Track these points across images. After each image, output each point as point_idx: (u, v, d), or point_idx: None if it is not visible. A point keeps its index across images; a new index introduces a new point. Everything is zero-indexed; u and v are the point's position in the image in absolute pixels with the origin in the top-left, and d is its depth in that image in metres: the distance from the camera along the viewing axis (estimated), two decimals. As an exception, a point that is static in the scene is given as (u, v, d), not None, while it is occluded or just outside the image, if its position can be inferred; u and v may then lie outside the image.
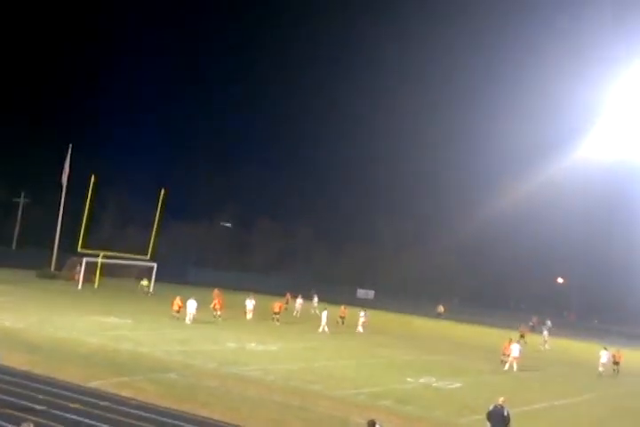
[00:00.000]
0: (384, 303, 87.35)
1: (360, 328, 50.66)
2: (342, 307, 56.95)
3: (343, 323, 53.31)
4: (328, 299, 65.92)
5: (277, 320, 49.53)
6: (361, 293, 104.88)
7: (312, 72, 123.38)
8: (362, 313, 51.71)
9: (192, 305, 43.54)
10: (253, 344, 36.90)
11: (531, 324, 77.28)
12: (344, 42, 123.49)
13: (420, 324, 69.45)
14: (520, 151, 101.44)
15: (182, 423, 19.42)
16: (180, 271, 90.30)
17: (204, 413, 20.75)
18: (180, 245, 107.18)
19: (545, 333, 57.43)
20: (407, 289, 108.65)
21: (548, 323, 79.92)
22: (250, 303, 50.18)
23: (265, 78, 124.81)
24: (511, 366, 37.99)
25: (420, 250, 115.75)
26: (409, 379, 31.66)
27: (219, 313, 46.84)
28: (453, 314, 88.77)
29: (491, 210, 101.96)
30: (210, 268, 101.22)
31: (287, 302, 61.88)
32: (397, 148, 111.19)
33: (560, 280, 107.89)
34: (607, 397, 34.43)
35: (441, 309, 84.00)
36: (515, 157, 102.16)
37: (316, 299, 63.57)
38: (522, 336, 56.32)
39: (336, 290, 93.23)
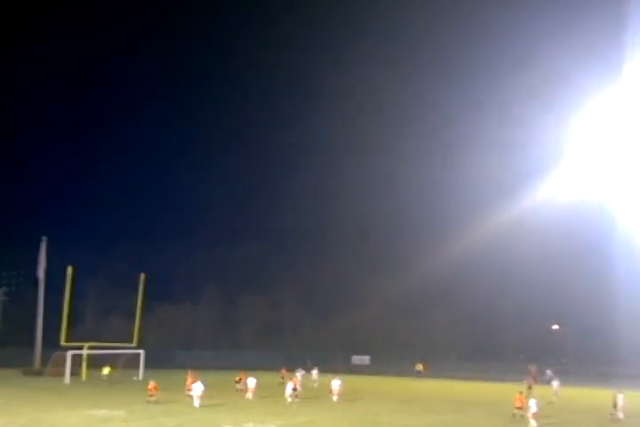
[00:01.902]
0: (381, 368, 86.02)
1: (335, 397, 48.15)
2: (283, 370, 59.13)
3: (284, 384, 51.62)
4: (323, 368, 64.70)
5: (297, 397, 47.92)
6: (356, 359, 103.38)
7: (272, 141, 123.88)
8: (336, 381, 49.13)
9: (198, 388, 42.55)
10: (250, 424, 35.75)
11: (532, 374, 76.24)
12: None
13: (420, 386, 68.19)
14: (483, 190, 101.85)
15: None
16: (167, 356, 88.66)
17: None
18: (165, 329, 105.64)
19: (555, 383, 55.91)
20: (402, 351, 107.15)
21: (549, 373, 78.86)
22: (252, 382, 48.33)
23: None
24: (529, 421, 36.74)
25: (410, 310, 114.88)
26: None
27: (189, 392, 45.94)
28: (451, 372, 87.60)
29: (460, 257, 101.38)
30: (197, 349, 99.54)
31: (282, 378, 60.56)
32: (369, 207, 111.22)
33: (555, 327, 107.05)
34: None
35: (420, 366, 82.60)
36: (478, 196, 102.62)
37: (315, 371, 62.07)
38: (529, 388, 55.32)
39: (330, 358, 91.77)
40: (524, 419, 39.18)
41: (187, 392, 46.74)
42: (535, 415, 36.63)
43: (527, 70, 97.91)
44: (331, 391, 48.29)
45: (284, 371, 62.27)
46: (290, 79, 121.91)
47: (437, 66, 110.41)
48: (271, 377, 64.85)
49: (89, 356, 64.12)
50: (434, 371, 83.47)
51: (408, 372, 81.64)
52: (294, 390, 47.67)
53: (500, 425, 38.00)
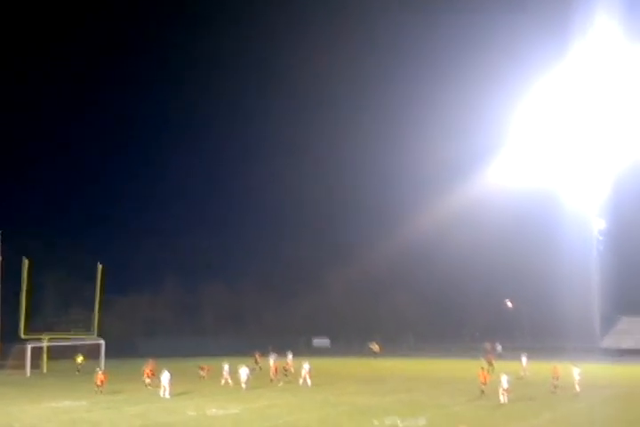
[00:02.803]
0: (341, 350, 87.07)
1: (307, 380, 48.56)
2: (288, 359, 58.36)
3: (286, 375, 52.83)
4: (284, 352, 65.44)
5: (286, 376, 49.79)
6: (317, 342, 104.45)
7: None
8: (306, 365, 49.60)
9: (166, 377, 42.72)
10: (214, 410, 36.38)
11: (488, 350, 78.22)
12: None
13: (380, 366, 69.29)
14: (437, 173, 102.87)
15: None
16: (129, 345, 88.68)
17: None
18: (126, 319, 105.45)
19: (524, 359, 57.17)
20: (362, 333, 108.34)
21: (499, 348, 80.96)
22: (244, 373, 47.13)
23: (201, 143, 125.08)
24: (503, 397, 37.55)
25: (368, 292, 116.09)
26: (375, 422, 31.58)
27: (148, 381, 46.62)
28: (410, 351, 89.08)
29: (412, 237, 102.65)
30: (159, 337, 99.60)
31: (257, 362, 61.27)
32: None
33: (509, 304, 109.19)
34: (570, 414, 34.84)
35: (376, 347, 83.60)
36: (432, 179, 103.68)
37: (290, 356, 62.73)
38: (490, 364, 56.70)
39: (291, 342, 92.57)
40: (485, 393, 40.70)
41: (145, 380, 47.15)
42: (507, 391, 37.52)
43: (472, 53, 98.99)
44: (302, 376, 48.92)
45: (257, 356, 62.87)
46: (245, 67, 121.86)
47: (384, 50, 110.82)
48: (236, 363, 65.41)
49: (49, 348, 64.09)
50: (393, 351, 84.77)
51: (367, 353, 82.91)
52: (285, 370, 50.09)
53: (459, 402, 39.11)
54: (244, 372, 46.75)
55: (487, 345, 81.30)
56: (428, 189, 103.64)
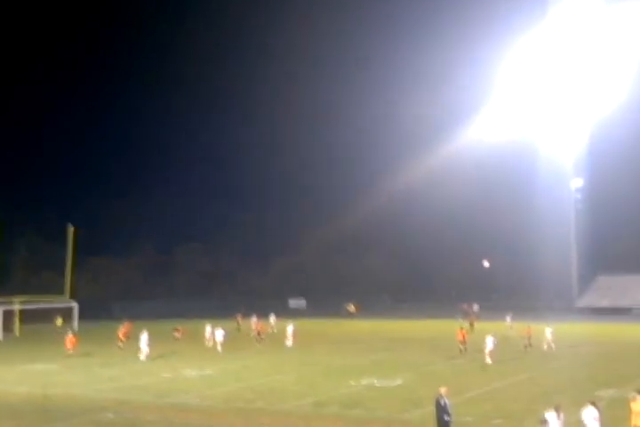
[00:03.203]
0: (317, 311, 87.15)
1: (289, 342, 48.47)
2: (271, 320, 59.23)
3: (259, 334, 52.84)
4: (260, 313, 65.31)
5: (258, 341, 49.67)
6: (292, 303, 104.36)
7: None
8: (290, 326, 49.40)
9: (144, 340, 42.16)
10: (188, 371, 36.12)
11: (466, 310, 78.74)
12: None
13: (356, 327, 69.34)
14: (412, 131, 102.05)
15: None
16: (103, 308, 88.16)
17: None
18: (99, 282, 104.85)
19: (508, 318, 57.24)
20: (337, 294, 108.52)
21: (475, 307, 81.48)
22: (220, 334, 46.79)
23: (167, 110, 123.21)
24: (487, 359, 37.25)
25: (344, 253, 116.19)
26: (351, 382, 31.49)
27: (120, 344, 46.50)
28: (386, 311, 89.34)
29: (390, 199, 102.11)
30: (133, 299, 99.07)
31: (238, 324, 61.13)
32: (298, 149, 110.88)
33: (485, 263, 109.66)
34: (547, 372, 34.94)
35: (352, 308, 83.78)
36: (406, 137, 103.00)
37: (273, 317, 62.50)
38: (471, 325, 56.96)
39: (266, 303, 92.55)
40: (466, 352, 41.08)
41: (118, 343, 46.83)
42: (491, 353, 37.27)
43: (455, 10, 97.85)
44: (287, 337, 48.63)
45: (239, 317, 62.69)
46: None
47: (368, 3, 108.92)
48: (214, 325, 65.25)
49: (22, 311, 63.46)
50: (369, 312, 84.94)
51: (344, 314, 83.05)
52: (259, 333, 49.91)
53: (435, 362, 39.13)
54: (219, 334, 46.38)
55: (464, 305, 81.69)
56: (404, 147, 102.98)
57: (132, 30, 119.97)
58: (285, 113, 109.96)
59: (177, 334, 53.64)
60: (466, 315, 76.94)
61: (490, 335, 38.23)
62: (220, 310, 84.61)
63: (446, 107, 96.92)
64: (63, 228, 70.33)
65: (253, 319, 58.39)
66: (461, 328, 43.94)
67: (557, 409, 18.00)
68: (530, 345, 43.37)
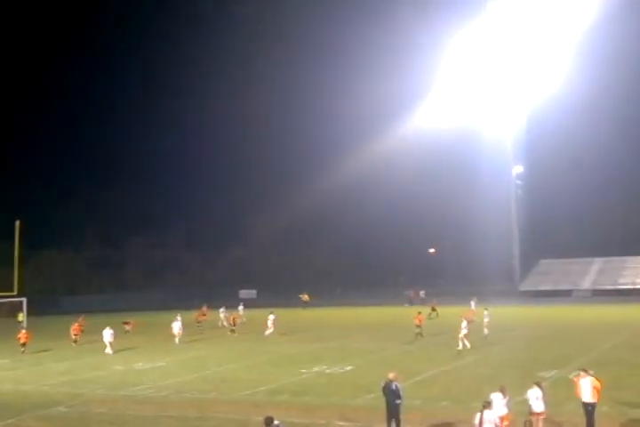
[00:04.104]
0: (268, 301, 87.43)
1: (269, 331, 48.39)
2: (203, 307, 60.61)
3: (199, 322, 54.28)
4: (209, 304, 65.52)
5: (233, 331, 49.93)
6: (243, 293, 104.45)
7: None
8: (270, 316, 49.38)
9: (107, 334, 41.89)
10: (140, 363, 36.25)
11: (412, 296, 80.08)
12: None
13: (307, 315, 69.98)
14: (358, 120, 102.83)
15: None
16: (51, 302, 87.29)
17: (99, 441, 20.29)
18: (47, 276, 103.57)
19: (472, 303, 57.87)
20: (288, 283, 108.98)
21: (422, 293, 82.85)
22: (176, 326, 46.24)
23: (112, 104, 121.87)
24: (464, 345, 37.08)
25: (294, 242, 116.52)
26: (302, 370, 31.99)
27: (73, 338, 46.25)
28: (336, 299, 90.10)
29: (341, 188, 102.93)
30: (82, 293, 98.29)
31: (204, 315, 61.11)
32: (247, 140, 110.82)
33: (431, 250, 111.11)
34: (491, 355, 35.87)
35: (305, 297, 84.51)
36: (352, 126, 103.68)
37: (241, 307, 62.48)
38: (433, 309, 57.96)
39: (217, 294, 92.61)
40: (422, 337, 42.20)
41: (72, 338, 46.61)
42: (466, 337, 37.36)
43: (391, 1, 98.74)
44: (268, 326, 48.71)
45: (204, 309, 62.67)
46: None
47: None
48: (161, 317, 65.40)
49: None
50: (320, 300, 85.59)
51: (294, 303, 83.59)
52: (233, 326, 50.16)
53: (385, 348, 39.85)
54: (176, 326, 46.20)
55: (410, 292, 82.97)
56: (349, 136, 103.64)
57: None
58: (233, 102, 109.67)
59: (127, 327, 53.55)
60: (412, 301, 78.52)
61: (465, 320, 38.28)
62: (171, 301, 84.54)
63: (390, 96, 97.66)
64: (9, 222, 69.40)
65: (221, 310, 58.74)
66: (419, 313, 44.78)
67: (502, 390, 18.72)
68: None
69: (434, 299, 63.00)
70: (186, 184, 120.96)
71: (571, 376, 20.62)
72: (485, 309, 46.06)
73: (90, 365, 36.86)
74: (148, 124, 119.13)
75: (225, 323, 55.99)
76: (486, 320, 43.68)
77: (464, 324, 37.66)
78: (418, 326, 43.25)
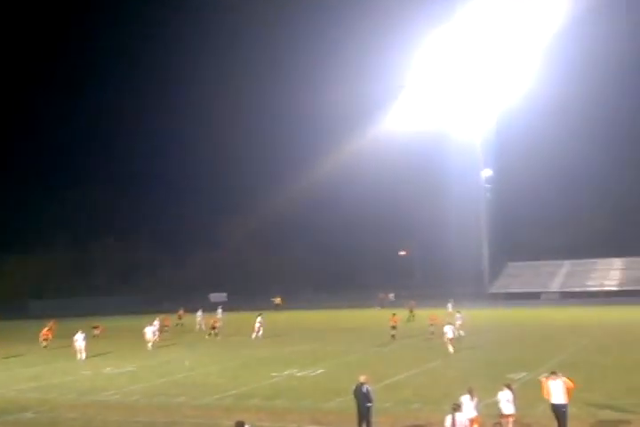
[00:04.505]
0: (239, 304, 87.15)
1: (255, 334, 48.02)
2: (181, 311, 60.96)
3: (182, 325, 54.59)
4: (180, 307, 65.14)
5: (216, 335, 49.62)
6: (214, 296, 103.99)
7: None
8: (258, 319, 49.07)
9: (80, 339, 41.18)
10: (109, 368, 35.92)
11: (381, 298, 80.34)
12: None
13: (279, 318, 69.74)
14: (329, 122, 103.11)
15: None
16: (19, 306, 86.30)
17: (68, 447, 20.06)
18: (16, 280, 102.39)
19: (449, 305, 58.07)
20: (259, 287, 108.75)
21: (391, 296, 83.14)
22: (149, 331, 45.29)
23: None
24: (453, 347, 36.65)
25: (265, 245, 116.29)
26: (273, 373, 31.88)
27: (44, 344, 45.80)
28: (307, 302, 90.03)
29: (306, 192, 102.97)
30: (51, 297, 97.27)
31: (180, 318, 60.79)
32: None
33: (402, 252, 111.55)
34: (461, 357, 36.02)
35: (278, 300, 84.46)
36: (323, 128, 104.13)
37: (220, 310, 61.98)
38: (410, 311, 58.02)
39: (187, 297, 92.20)
40: (395, 340, 42.55)
41: (41, 342, 46.12)
42: (452, 341, 37.07)
43: (371, 1, 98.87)
44: (254, 329, 48.37)
45: (181, 312, 62.32)
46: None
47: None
48: (130, 321, 64.89)
49: None
50: (291, 303, 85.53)
51: (266, 306, 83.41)
52: (213, 329, 49.89)
53: (357, 350, 39.86)
54: (149, 331, 45.51)
55: (380, 294, 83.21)
56: (320, 138, 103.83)
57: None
58: (203, 105, 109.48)
59: (96, 331, 53.03)
60: (382, 303, 78.80)
61: (448, 324, 37.99)
62: (141, 305, 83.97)
63: (361, 98, 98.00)
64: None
65: (199, 313, 58.53)
66: (393, 315, 44.80)
67: (471, 392, 18.79)
68: (433, 333, 44.08)
69: (412, 301, 62.96)
70: (156, 187, 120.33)
71: (542, 378, 20.69)
72: (458, 311, 46.38)
73: (59, 370, 36.46)
74: (119, 126, 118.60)
75: (203, 327, 55.97)
76: (459, 323, 43.86)
77: (447, 327, 37.25)
78: (393, 328, 43.40)
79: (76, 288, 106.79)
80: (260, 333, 48.10)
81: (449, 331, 37.18)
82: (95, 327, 53.63)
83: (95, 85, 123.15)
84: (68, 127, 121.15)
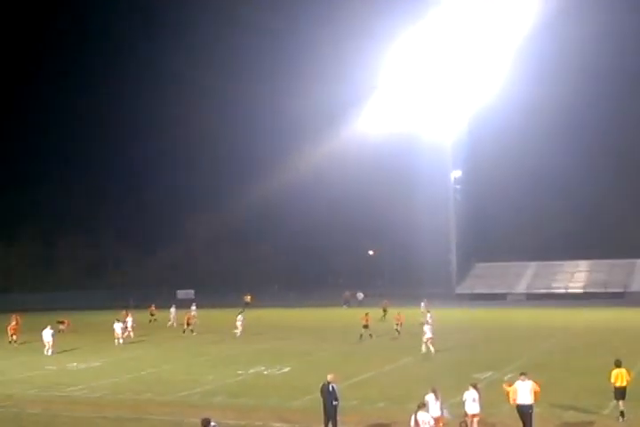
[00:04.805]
0: (206, 301, 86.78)
1: (239, 331, 47.63)
2: (152, 306, 61.00)
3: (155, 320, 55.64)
4: (146, 304, 64.86)
5: (192, 331, 49.94)
6: (181, 293, 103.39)
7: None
8: (239, 317, 48.66)
9: (47, 334, 40.47)
10: (75, 364, 35.63)
11: (348, 298, 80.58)
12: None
13: (246, 316, 69.42)
14: (301, 122, 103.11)
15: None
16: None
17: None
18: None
19: (422, 304, 58.11)
20: (226, 284, 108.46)
21: (360, 296, 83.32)
22: (118, 327, 44.84)
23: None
24: (428, 348, 36.00)
25: (232, 242, 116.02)
26: (239, 371, 31.85)
27: (14, 338, 45.25)
28: (275, 301, 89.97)
29: (282, 189, 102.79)
30: (15, 292, 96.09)
31: (153, 314, 60.37)
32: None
33: (370, 252, 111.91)
34: (429, 356, 36.16)
35: (248, 298, 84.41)
36: (296, 128, 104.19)
37: (194, 307, 61.39)
38: (384, 311, 58.10)
39: (154, 294, 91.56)
40: (371, 338, 42.88)
41: (9, 338, 45.56)
42: (431, 340, 36.35)
43: (340, 3, 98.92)
44: (237, 327, 48.05)
45: (153, 308, 61.95)
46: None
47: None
48: (96, 316, 64.42)
49: None
50: (259, 302, 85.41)
51: (233, 303, 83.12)
52: (187, 326, 50.19)
53: (323, 349, 39.93)
54: (117, 327, 44.94)
55: (346, 294, 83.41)
56: (291, 138, 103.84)
57: None
58: (170, 101, 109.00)
59: (62, 327, 52.48)
60: (348, 302, 79.04)
61: (427, 324, 37.54)
62: (107, 301, 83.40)
63: (331, 99, 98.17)
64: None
65: (172, 310, 58.22)
66: (366, 314, 44.83)
67: (435, 392, 18.94)
68: (400, 331, 44.45)
69: (385, 300, 63.00)
70: (127, 181, 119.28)
71: (504, 384, 20.85)
72: (428, 311, 46.65)
73: (23, 365, 36.08)
74: (83, 122, 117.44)
75: (175, 323, 55.94)
76: (429, 321, 43.76)
77: (426, 327, 36.80)
78: (365, 327, 43.51)
79: (42, 283, 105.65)
80: (240, 330, 47.71)
81: (427, 331, 36.61)
82: (61, 322, 53.07)
83: (47, 81, 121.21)
84: (34, 122, 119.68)
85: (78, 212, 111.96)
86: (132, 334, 47.71)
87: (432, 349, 35.88)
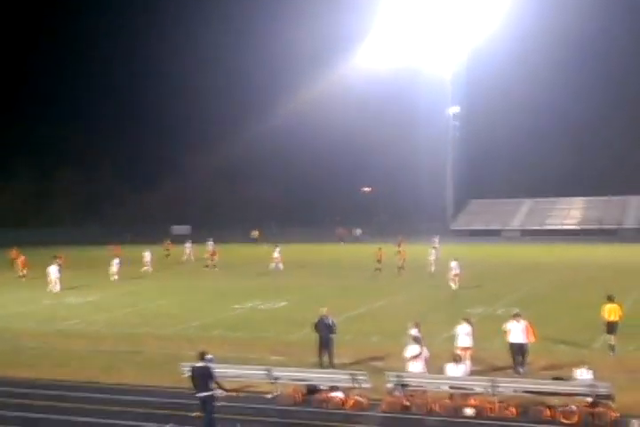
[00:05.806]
0: (201, 237, 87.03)
1: (276, 265, 47.57)
2: (168, 241, 61.48)
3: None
4: (144, 239, 65.06)
5: (214, 266, 49.57)
6: (176, 229, 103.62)
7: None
8: (277, 249, 48.44)
9: (54, 270, 40.12)
10: (71, 298, 35.91)
11: (341, 234, 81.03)
12: None
13: (241, 251, 69.90)
14: (297, 60, 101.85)
15: (11, 389, 18.75)
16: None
17: (31, 374, 20.13)
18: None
19: (435, 240, 58.69)
20: (223, 220, 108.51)
21: (358, 232, 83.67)
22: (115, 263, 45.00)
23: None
24: (455, 283, 36.49)
25: (230, 179, 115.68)
26: (236, 306, 32.12)
27: (24, 272, 45.41)
28: (272, 237, 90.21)
29: (272, 128, 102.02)
30: (11, 227, 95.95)
31: (168, 249, 60.56)
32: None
33: (366, 189, 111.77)
34: (422, 292, 36.54)
35: (255, 233, 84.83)
36: (292, 66, 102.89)
37: (211, 242, 61.26)
38: (399, 246, 57.93)
39: (150, 230, 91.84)
40: (379, 272, 43.54)
41: (20, 271, 45.72)
42: (458, 277, 36.66)
43: None
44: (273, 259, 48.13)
45: (169, 242, 62.45)
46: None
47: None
48: (92, 251, 64.66)
49: None
50: (250, 237, 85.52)
51: (230, 239, 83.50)
52: (212, 260, 49.86)
53: (319, 283, 40.23)
54: (115, 263, 44.98)
55: (340, 230, 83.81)
56: (288, 76, 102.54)
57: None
58: (168, 40, 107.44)
59: (58, 261, 52.57)
60: (343, 239, 79.60)
61: (454, 260, 37.41)
62: (103, 236, 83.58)
63: (329, 36, 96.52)
64: None
65: (187, 245, 58.73)
66: (379, 249, 45.27)
67: (417, 326, 19.18)
68: (381, 269, 44.79)
69: (400, 237, 62.76)
70: (121, 117, 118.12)
71: (503, 326, 20.93)
72: (433, 247, 46.93)
73: (19, 299, 36.34)
74: (81, 60, 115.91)
75: (192, 257, 56.87)
76: (432, 258, 44.47)
77: (453, 264, 36.90)
78: (378, 262, 44.22)
79: (37, 218, 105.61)
80: (279, 263, 47.58)
81: (456, 267, 36.75)
82: (57, 257, 53.20)
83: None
84: (34, 60, 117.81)
85: (75, 146, 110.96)
86: (149, 269, 48.25)
87: (453, 286, 36.42)
